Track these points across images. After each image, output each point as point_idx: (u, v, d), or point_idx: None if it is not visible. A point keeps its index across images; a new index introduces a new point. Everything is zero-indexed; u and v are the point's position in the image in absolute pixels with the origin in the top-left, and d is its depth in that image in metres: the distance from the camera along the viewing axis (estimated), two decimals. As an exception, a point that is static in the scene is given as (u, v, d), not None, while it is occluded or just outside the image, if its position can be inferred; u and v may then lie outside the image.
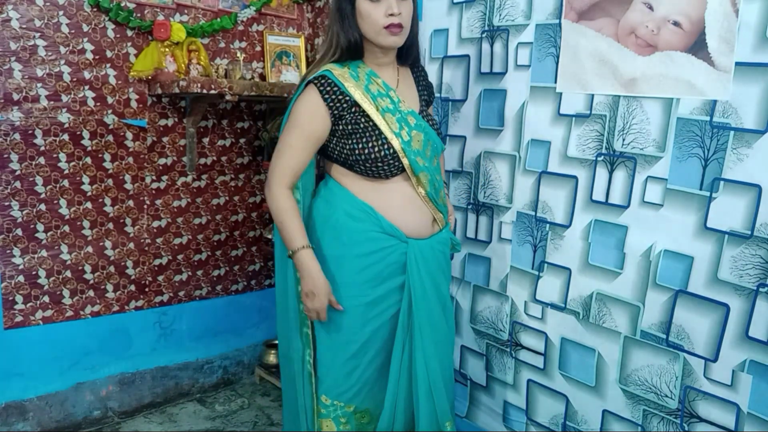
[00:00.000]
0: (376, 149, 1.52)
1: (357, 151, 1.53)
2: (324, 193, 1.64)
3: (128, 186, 2.38)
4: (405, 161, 1.54)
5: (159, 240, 2.50)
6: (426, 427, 1.63)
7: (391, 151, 1.53)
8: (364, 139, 1.52)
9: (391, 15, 1.47)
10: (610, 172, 1.67)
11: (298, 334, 1.69)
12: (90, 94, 2.24)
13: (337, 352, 1.61)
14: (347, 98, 1.51)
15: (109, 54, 2.26)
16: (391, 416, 1.66)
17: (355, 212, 1.56)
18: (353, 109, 1.53)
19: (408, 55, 1.65)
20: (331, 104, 1.51)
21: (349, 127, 1.53)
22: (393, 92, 1.58)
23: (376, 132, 1.52)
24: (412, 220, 1.60)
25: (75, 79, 2.20)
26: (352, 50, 1.53)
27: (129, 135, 2.35)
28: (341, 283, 1.58)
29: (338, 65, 1.54)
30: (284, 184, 1.55)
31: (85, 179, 2.27)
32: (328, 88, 1.50)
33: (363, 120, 1.53)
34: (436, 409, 1.65)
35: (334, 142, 1.57)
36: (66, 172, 2.23)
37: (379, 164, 1.53)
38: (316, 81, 1.51)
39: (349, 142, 1.53)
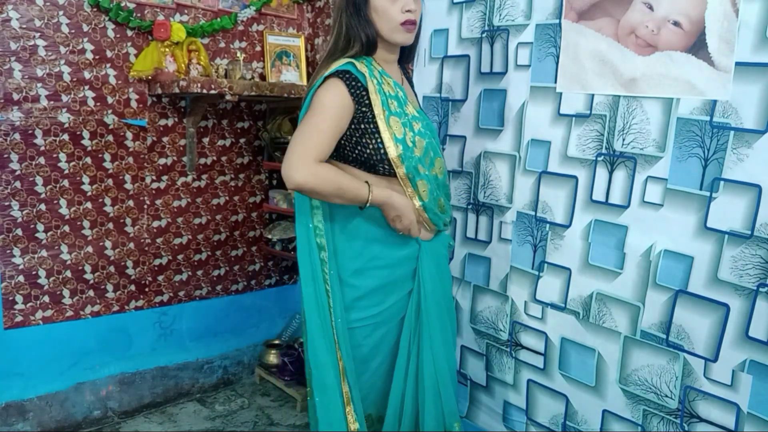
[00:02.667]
0: (383, 150, 1.48)
1: (383, 151, 1.47)
2: (339, 219, 1.56)
3: (128, 186, 2.38)
4: (401, 171, 1.48)
5: (159, 240, 2.50)
6: (432, 427, 1.63)
7: (386, 158, 1.47)
8: (379, 141, 1.47)
9: (408, 11, 1.45)
10: (610, 172, 1.67)
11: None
12: (90, 94, 2.24)
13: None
14: (367, 95, 1.46)
15: (109, 54, 2.26)
16: (397, 418, 1.66)
17: (372, 217, 1.53)
18: (371, 107, 1.46)
19: (410, 54, 1.64)
20: (356, 99, 1.44)
21: (371, 125, 1.47)
22: (401, 92, 1.54)
23: (378, 134, 1.47)
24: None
25: (75, 79, 2.20)
26: (371, 45, 1.49)
27: (129, 135, 2.35)
28: (359, 294, 1.55)
29: (356, 60, 1.49)
30: (315, 160, 1.39)
31: (85, 179, 2.27)
32: (353, 83, 1.44)
33: (375, 119, 1.48)
34: (443, 409, 1.64)
35: (354, 141, 1.48)
36: (66, 172, 2.23)
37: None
38: (340, 74, 1.44)
39: (372, 141, 1.47)
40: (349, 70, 1.45)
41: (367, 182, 1.46)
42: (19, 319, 2.20)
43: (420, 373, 1.62)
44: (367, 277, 1.55)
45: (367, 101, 1.45)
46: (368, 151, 1.48)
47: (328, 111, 1.43)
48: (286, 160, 1.39)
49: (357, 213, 1.53)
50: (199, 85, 2.18)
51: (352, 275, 1.55)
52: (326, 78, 1.45)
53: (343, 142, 1.48)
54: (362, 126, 1.47)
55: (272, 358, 2.73)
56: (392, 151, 1.46)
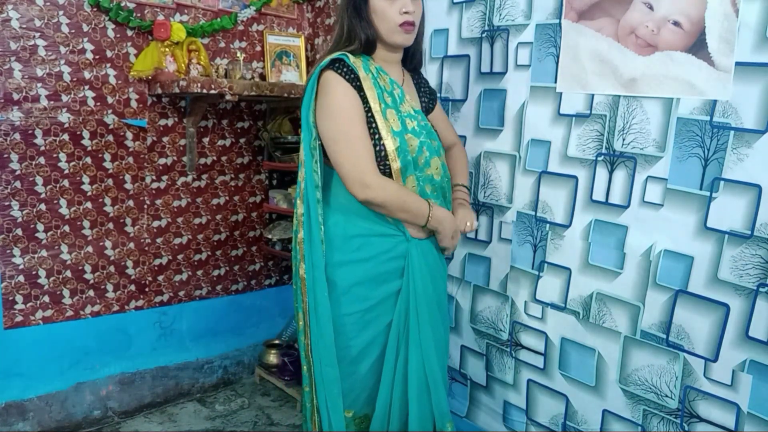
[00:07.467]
0: (376, 148, 1.49)
1: (376, 140, 1.49)
2: (324, 195, 1.58)
3: (128, 186, 2.38)
4: (395, 165, 1.49)
5: (159, 240, 2.50)
6: (418, 428, 1.62)
7: (383, 153, 1.49)
8: (377, 135, 1.48)
9: (406, 13, 1.47)
10: (610, 172, 1.67)
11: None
12: (90, 94, 2.24)
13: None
14: (361, 86, 1.47)
15: (109, 54, 2.26)
16: (385, 418, 1.65)
17: (354, 212, 1.53)
18: (367, 100, 1.48)
19: (412, 59, 1.65)
20: (354, 87, 1.46)
21: (366, 121, 1.49)
22: (398, 89, 1.54)
23: (375, 128, 1.49)
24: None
25: (75, 79, 2.20)
26: (369, 45, 1.52)
27: (129, 135, 2.35)
28: (342, 288, 1.55)
29: (353, 55, 1.51)
30: (375, 172, 1.46)
31: (85, 179, 2.27)
32: (349, 74, 1.47)
33: (371, 111, 1.49)
34: (434, 410, 1.64)
35: None
36: (66, 172, 2.23)
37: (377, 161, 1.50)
38: (334, 64, 1.47)
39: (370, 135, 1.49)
40: (343, 59, 1.48)
41: (430, 204, 1.53)
42: (19, 319, 2.20)
43: (408, 373, 1.60)
44: (349, 271, 1.54)
45: (362, 93, 1.47)
46: None
47: (347, 110, 1.46)
48: (348, 178, 1.46)
49: (339, 206, 1.54)
50: (199, 85, 2.18)
51: (333, 267, 1.54)
52: (321, 70, 1.47)
53: None
54: None
55: (272, 358, 2.73)
56: (389, 143, 1.48)
